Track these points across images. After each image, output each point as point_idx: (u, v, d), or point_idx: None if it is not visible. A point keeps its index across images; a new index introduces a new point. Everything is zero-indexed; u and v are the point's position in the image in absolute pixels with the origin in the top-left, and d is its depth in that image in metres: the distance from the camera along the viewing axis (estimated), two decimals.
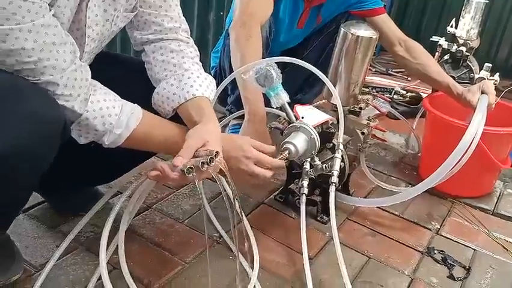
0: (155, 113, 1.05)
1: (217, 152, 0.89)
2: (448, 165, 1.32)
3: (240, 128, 1.81)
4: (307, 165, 1.29)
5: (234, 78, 1.36)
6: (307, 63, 1.25)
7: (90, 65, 1.07)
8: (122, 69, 1.17)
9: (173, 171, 0.87)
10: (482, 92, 1.52)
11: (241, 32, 1.38)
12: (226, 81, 1.34)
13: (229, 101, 1.79)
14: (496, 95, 1.55)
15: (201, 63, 1.11)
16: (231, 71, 1.38)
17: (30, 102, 0.78)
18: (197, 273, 1.16)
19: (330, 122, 1.33)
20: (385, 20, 1.67)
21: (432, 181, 1.34)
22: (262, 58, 1.34)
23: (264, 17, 1.48)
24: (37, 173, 0.89)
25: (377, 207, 1.52)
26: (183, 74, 1.04)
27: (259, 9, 1.45)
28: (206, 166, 0.87)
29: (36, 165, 0.85)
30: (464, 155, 1.34)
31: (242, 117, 1.67)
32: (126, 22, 1.03)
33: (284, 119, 1.34)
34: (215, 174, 0.92)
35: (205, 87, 1.03)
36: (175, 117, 1.05)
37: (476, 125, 1.38)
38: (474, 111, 1.45)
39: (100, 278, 1.05)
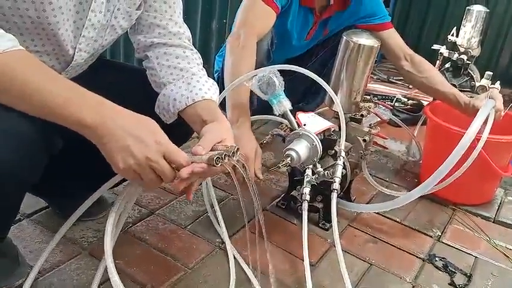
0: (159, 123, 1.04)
1: (238, 149, 0.88)
2: (447, 165, 1.30)
3: None
4: (309, 172, 1.30)
5: None
6: (309, 71, 1.26)
7: (89, 70, 1.09)
8: (121, 75, 1.18)
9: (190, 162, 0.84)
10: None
11: (235, 42, 1.40)
12: (228, 88, 1.35)
13: None
14: (504, 106, 1.55)
15: (205, 70, 1.11)
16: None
17: (13, 122, 0.79)
18: (199, 279, 1.17)
19: (332, 129, 1.34)
20: (392, 35, 1.69)
21: (431, 182, 1.32)
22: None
23: (262, 30, 1.49)
24: (23, 188, 0.91)
25: (378, 213, 1.53)
26: (192, 78, 1.03)
27: (257, 22, 1.46)
28: (228, 159, 0.86)
29: (21, 180, 0.86)
30: (465, 159, 1.33)
31: None
32: (128, 22, 1.02)
33: (286, 126, 1.35)
34: (240, 167, 0.91)
35: (213, 91, 1.04)
36: (176, 127, 1.03)
37: (478, 124, 1.36)
38: None
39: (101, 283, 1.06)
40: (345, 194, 1.53)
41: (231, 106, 1.31)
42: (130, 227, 1.34)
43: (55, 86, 0.74)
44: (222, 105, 1.76)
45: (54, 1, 0.83)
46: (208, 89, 1.03)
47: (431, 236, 1.46)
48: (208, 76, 1.10)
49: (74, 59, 0.97)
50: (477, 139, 1.38)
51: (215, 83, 1.08)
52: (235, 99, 1.31)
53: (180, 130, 1.04)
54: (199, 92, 1.01)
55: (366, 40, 1.44)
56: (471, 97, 1.61)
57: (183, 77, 1.04)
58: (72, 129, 0.76)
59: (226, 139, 0.92)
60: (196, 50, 1.12)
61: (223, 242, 1.31)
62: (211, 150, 0.87)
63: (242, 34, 1.40)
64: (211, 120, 0.97)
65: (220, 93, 1.15)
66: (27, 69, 0.73)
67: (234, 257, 1.24)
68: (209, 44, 2.63)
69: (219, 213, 1.39)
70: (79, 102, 0.75)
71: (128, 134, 0.77)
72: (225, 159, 0.85)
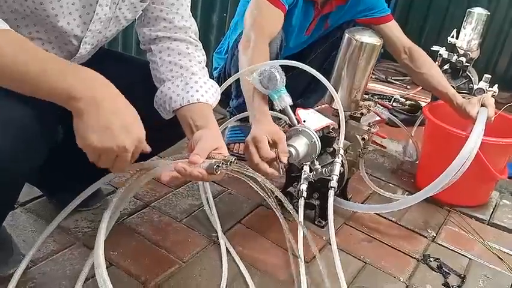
0: (157, 118, 1.03)
1: (234, 159, 0.89)
2: (445, 177, 1.33)
3: (239, 130, 1.82)
4: (306, 169, 1.29)
5: (237, 84, 1.34)
6: (310, 68, 1.26)
7: (92, 61, 1.08)
8: (124, 67, 1.17)
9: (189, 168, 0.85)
10: (482, 105, 1.53)
11: (246, 45, 1.37)
12: (227, 83, 1.34)
13: (232, 105, 1.79)
14: (496, 107, 1.56)
15: (207, 69, 1.10)
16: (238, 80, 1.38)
17: (14, 112, 0.79)
18: (194, 272, 1.17)
19: (331, 127, 1.34)
20: (391, 28, 1.68)
21: (428, 192, 1.35)
22: None
23: (272, 31, 1.46)
24: (22, 179, 0.92)
25: (374, 213, 1.53)
26: (190, 78, 1.02)
27: (266, 24, 1.44)
28: (225, 167, 0.87)
29: (20, 171, 0.86)
30: (461, 168, 1.35)
31: (241, 120, 1.68)
32: (133, 13, 1.01)
33: (285, 122, 1.35)
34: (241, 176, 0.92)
35: (210, 94, 1.02)
36: (174, 125, 1.03)
37: (475, 139, 1.39)
38: (473, 124, 1.46)
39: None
40: (342, 192, 1.53)
41: (251, 90, 1.28)
42: (125, 218, 1.33)
43: (45, 60, 0.74)
44: (222, 102, 1.77)
45: None
46: (206, 92, 1.02)
47: (425, 237, 1.46)
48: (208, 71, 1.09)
49: (79, 52, 0.96)
50: None
51: (215, 84, 1.07)
52: (254, 98, 1.28)
53: (174, 130, 1.03)
54: (195, 94, 1.00)
55: (368, 38, 1.43)
56: (469, 98, 1.61)
57: (182, 75, 1.03)
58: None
59: (220, 147, 0.92)
60: (201, 46, 1.11)
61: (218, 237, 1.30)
62: (208, 158, 0.88)
63: (252, 36, 1.37)
64: (202, 125, 0.97)
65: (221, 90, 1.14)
66: (18, 47, 0.72)
67: (228, 252, 1.24)
68: (209, 37, 2.62)
69: (213, 208, 1.39)
70: (71, 74, 0.74)
71: (116, 117, 0.76)
72: (222, 167, 0.86)
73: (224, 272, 1.16)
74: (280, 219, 1.03)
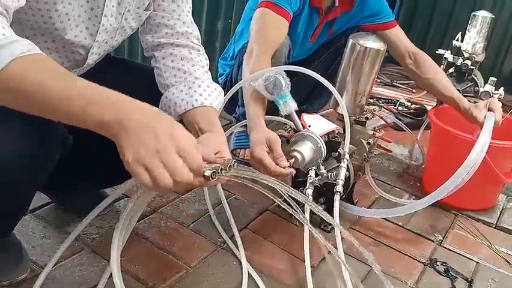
0: None
1: (235, 162, 0.89)
2: (451, 182, 1.33)
3: (244, 136, 1.83)
4: (312, 174, 1.30)
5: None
6: (315, 73, 1.26)
7: (97, 68, 1.09)
8: (129, 74, 1.19)
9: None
10: (489, 109, 1.53)
11: (249, 56, 1.39)
12: (233, 90, 1.35)
13: (238, 111, 1.80)
14: (502, 110, 1.56)
15: (210, 73, 1.11)
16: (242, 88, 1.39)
17: (25, 121, 0.79)
18: (201, 278, 1.17)
19: (337, 132, 1.35)
20: (396, 34, 1.69)
21: (435, 197, 1.36)
22: None
23: (277, 42, 1.47)
24: (34, 185, 0.93)
25: (381, 217, 1.53)
26: (194, 82, 1.03)
27: (269, 34, 1.45)
28: (224, 172, 0.85)
29: (33, 178, 0.88)
30: (467, 173, 1.35)
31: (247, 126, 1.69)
32: (138, 22, 1.03)
33: (290, 127, 1.35)
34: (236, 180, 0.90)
35: (214, 97, 1.03)
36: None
37: (482, 145, 1.39)
38: (480, 128, 1.46)
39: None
40: (348, 197, 1.53)
41: (247, 100, 1.28)
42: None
43: (75, 88, 0.69)
44: (228, 107, 1.78)
45: (61, 8, 0.84)
46: (209, 95, 1.02)
47: (432, 241, 1.46)
48: (212, 77, 1.10)
49: (86, 62, 0.98)
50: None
51: (218, 87, 1.08)
52: (248, 96, 1.29)
53: None
54: (199, 97, 1.01)
55: (372, 43, 1.44)
56: (475, 102, 1.61)
57: (185, 80, 1.04)
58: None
59: (223, 150, 0.91)
60: (203, 51, 1.12)
61: (225, 242, 1.31)
62: (208, 163, 0.86)
63: (255, 48, 1.38)
64: (207, 129, 0.97)
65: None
66: (43, 74, 0.68)
67: (235, 256, 1.25)
68: (214, 43, 2.64)
69: (228, 211, 1.39)
70: (100, 103, 0.69)
71: (144, 126, 0.70)
72: (221, 172, 0.83)
73: (244, 283, 1.16)
74: (304, 222, 1.01)
